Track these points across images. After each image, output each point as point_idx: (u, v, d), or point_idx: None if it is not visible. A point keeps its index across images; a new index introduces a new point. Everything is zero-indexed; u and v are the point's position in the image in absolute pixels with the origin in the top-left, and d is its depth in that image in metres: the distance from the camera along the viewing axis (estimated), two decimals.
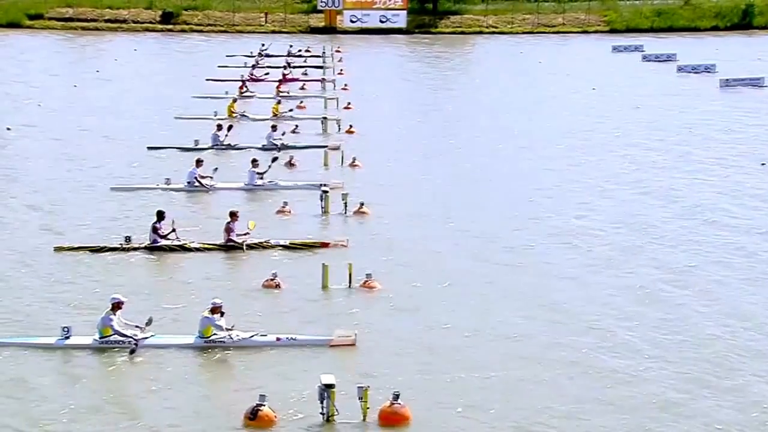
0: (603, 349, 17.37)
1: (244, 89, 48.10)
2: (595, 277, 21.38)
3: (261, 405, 14.52)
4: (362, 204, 26.18)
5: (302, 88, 50.36)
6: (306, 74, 55.31)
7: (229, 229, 23.14)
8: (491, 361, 16.87)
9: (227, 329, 17.37)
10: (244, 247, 22.88)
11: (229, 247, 23.01)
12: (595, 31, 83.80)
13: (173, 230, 23.17)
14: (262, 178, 29.08)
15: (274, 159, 29.74)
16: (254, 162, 29.65)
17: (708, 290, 20.54)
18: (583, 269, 21.85)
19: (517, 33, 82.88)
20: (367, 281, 20.23)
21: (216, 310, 17.47)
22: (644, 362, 16.83)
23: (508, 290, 20.54)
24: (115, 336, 17.22)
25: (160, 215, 23.30)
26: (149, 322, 17.57)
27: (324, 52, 66.88)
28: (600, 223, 25.74)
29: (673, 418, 14.93)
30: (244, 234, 23.18)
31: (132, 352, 16.93)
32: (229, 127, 35.69)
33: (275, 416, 14.52)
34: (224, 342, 17.30)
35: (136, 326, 17.52)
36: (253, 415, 14.48)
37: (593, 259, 22.65)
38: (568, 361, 16.82)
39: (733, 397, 15.63)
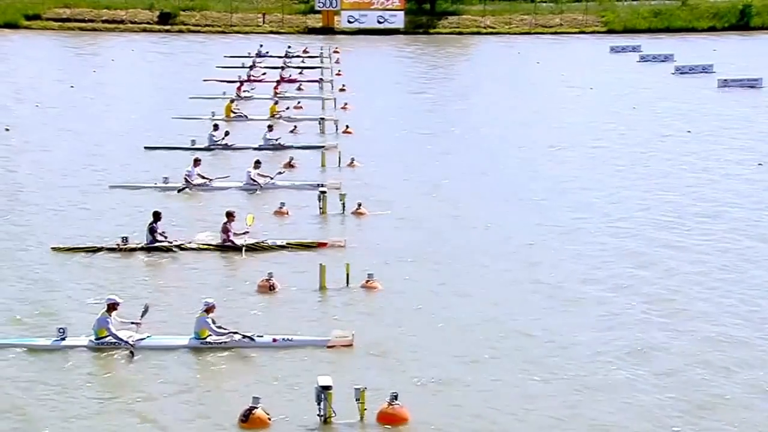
0: (607, 352, 17.37)
1: (242, 90, 48.09)
2: (604, 273, 21.35)
3: (254, 407, 14.47)
4: (360, 204, 26.17)
5: (300, 89, 50.36)
6: (303, 75, 55.26)
7: (226, 230, 23.11)
8: (490, 362, 16.83)
9: (219, 329, 17.33)
10: (243, 253, 22.64)
11: (226, 247, 22.97)
12: (593, 32, 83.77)
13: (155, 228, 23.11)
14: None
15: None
16: (257, 163, 29.63)
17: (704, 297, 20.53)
18: (586, 267, 21.81)
19: (515, 33, 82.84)
20: (369, 281, 20.19)
21: (210, 310, 17.43)
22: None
23: (509, 290, 20.50)
24: (111, 338, 17.16)
25: (157, 216, 23.26)
26: (145, 311, 17.56)
27: (321, 53, 66.85)
28: (596, 222, 25.75)
29: None
30: (243, 233, 23.16)
31: (131, 355, 16.89)
32: (216, 126, 35.76)
33: (269, 418, 14.46)
34: (220, 343, 17.26)
35: (132, 323, 17.49)
36: (246, 417, 14.42)
37: (594, 260, 22.62)
38: (568, 362, 16.78)
39: None
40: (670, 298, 19.97)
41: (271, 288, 20.15)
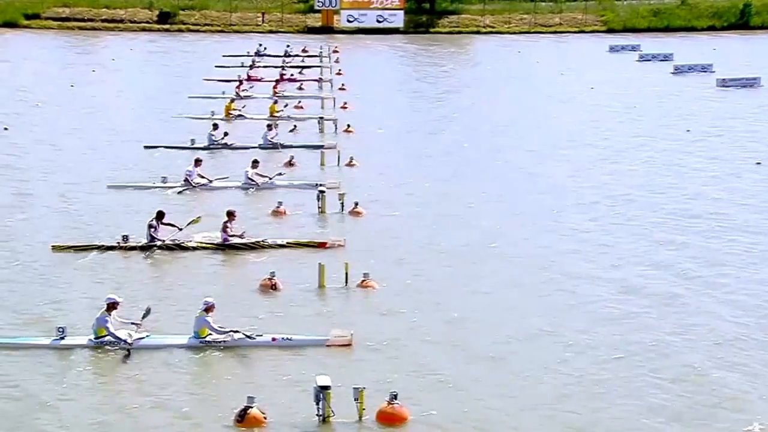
0: (605, 349, 17.41)
1: (242, 89, 48.11)
2: (596, 278, 21.37)
3: (249, 406, 14.48)
4: (357, 204, 26.18)
5: (299, 88, 50.37)
6: (303, 74, 55.29)
7: (226, 229, 23.15)
8: (489, 360, 16.85)
9: (220, 328, 17.35)
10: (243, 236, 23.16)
11: (227, 246, 23.01)
12: (592, 31, 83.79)
13: (155, 227, 23.16)
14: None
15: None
16: (255, 163, 29.65)
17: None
18: (582, 270, 21.84)
19: (515, 33, 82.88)
20: (364, 281, 20.21)
21: (210, 309, 17.46)
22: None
23: (507, 289, 20.51)
24: (110, 337, 17.18)
25: (160, 215, 23.29)
26: (146, 314, 17.57)
27: (321, 52, 66.88)
28: (598, 223, 25.76)
29: None
30: (241, 233, 23.26)
31: (126, 356, 16.90)
32: (215, 126, 35.85)
33: (264, 417, 14.47)
34: (220, 342, 17.28)
35: (132, 323, 17.51)
36: (241, 416, 14.43)
37: (590, 260, 22.65)
38: (570, 362, 16.81)
39: None
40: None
41: (273, 287, 20.17)
